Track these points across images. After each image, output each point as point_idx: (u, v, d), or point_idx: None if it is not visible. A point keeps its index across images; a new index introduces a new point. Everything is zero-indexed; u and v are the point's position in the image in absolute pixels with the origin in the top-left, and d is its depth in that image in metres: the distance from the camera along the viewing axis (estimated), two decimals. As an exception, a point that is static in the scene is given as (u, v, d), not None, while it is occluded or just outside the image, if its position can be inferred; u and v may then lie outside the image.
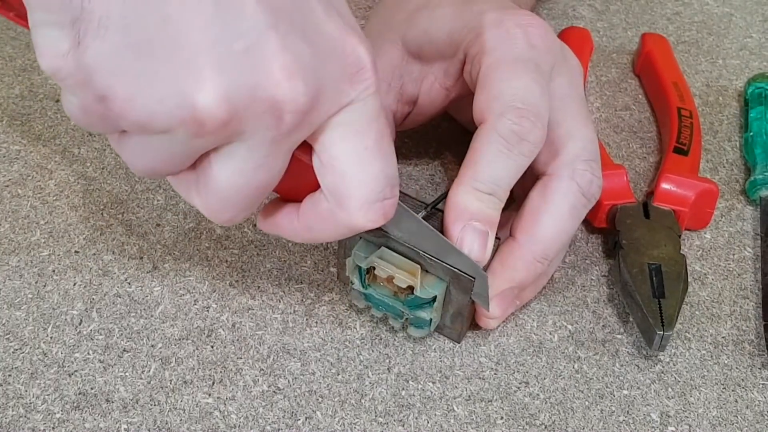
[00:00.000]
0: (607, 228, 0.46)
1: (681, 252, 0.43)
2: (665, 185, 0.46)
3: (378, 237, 0.38)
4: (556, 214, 0.39)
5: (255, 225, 0.46)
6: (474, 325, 0.42)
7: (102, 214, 0.46)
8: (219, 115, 0.29)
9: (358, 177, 0.33)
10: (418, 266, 0.38)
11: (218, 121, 0.29)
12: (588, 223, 0.47)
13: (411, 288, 0.38)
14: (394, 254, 0.38)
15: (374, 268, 0.39)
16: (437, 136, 0.51)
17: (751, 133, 0.51)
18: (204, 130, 0.29)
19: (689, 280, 0.44)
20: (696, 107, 0.51)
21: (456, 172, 0.38)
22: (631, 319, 0.43)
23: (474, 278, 0.37)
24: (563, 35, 0.56)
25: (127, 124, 0.30)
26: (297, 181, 0.35)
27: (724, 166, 0.51)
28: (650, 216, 0.45)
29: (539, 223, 0.39)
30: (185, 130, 0.30)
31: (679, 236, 0.44)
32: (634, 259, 0.43)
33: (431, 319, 0.39)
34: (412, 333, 0.40)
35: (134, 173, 0.35)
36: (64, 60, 0.30)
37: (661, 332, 0.39)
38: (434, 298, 0.38)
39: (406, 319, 0.40)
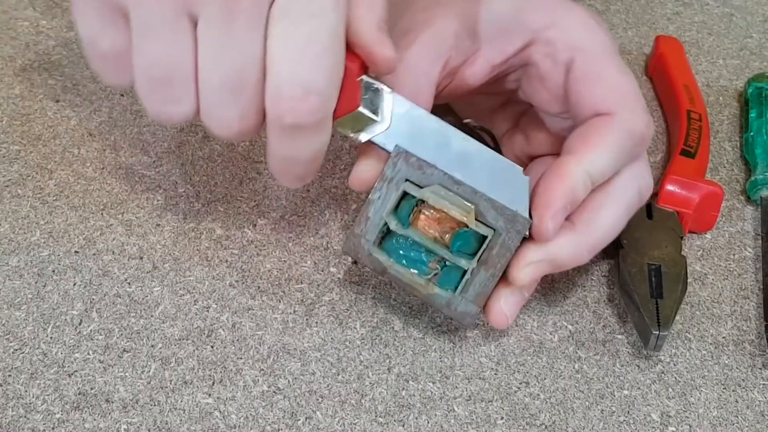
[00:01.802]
0: None
1: (682, 253, 0.43)
2: (669, 187, 0.46)
3: (428, 177, 0.37)
4: (617, 211, 0.39)
5: (255, 225, 0.46)
6: (475, 325, 0.42)
7: (102, 214, 0.46)
8: None
9: (275, 66, 0.33)
10: (472, 206, 0.37)
11: None
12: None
13: (459, 229, 0.37)
14: (447, 192, 0.37)
15: (423, 205, 0.37)
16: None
17: (752, 133, 0.51)
18: None
19: (689, 280, 0.44)
20: (706, 110, 0.51)
21: None
22: (629, 318, 0.43)
23: (530, 221, 0.37)
24: None
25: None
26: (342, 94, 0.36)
27: (725, 166, 0.51)
28: (653, 217, 0.45)
29: (600, 215, 0.39)
30: None
31: (682, 238, 0.44)
32: (634, 258, 0.43)
33: (465, 273, 0.38)
34: (437, 291, 0.38)
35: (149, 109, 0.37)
36: None
37: (657, 332, 0.39)
38: (483, 240, 0.37)
39: (435, 274, 0.38)
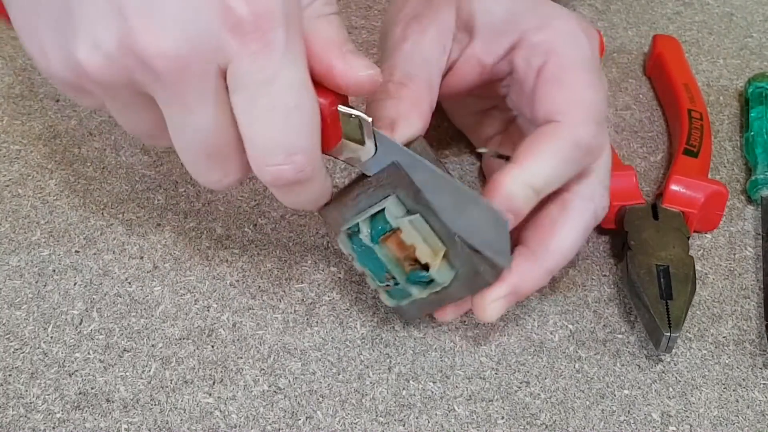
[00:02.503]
0: (615, 229, 0.46)
1: (689, 254, 0.43)
2: (674, 187, 0.46)
3: (413, 203, 0.36)
4: (573, 232, 0.39)
5: (255, 225, 0.46)
6: (475, 325, 0.42)
7: (102, 213, 0.46)
8: (95, 61, 0.30)
9: (248, 139, 0.32)
10: (445, 248, 0.36)
11: (99, 68, 0.30)
12: (597, 225, 0.47)
13: (425, 265, 0.36)
14: (426, 226, 0.36)
15: (399, 230, 0.37)
16: (437, 136, 0.51)
17: (752, 133, 0.51)
18: (97, 81, 0.31)
19: (690, 279, 0.44)
20: (706, 109, 0.51)
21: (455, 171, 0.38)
22: (638, 319, 0.43)
23: (490, 283, 0.37)
24: None
25: (55, 79, 0.32)
26: (323, 130, 0.34)
27: (725, 166, 0.51)
28: (659, 217, 0.45)
29: (557, 237, 0.39)
30: (87, 82, 0.31)
31: (688, 238, 0.44)
32: (642, 260, 0.42)
33: (416, 298, 0.38)
34: (384, 299, 0.39)
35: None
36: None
37: (668, 333, 0.39)
38: (437, 282, 0.37)
39: (387, 285, 0.38)
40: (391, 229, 0.36)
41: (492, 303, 0.38)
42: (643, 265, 0.42)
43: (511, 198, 0.37)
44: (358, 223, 0.37)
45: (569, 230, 0.39)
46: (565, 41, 0.40)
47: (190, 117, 0.32)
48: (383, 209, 0.36)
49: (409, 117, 0.38)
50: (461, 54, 0.42)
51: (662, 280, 0.42)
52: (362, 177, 0.37)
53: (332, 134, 0.35)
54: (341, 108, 0.34)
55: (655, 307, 0.40)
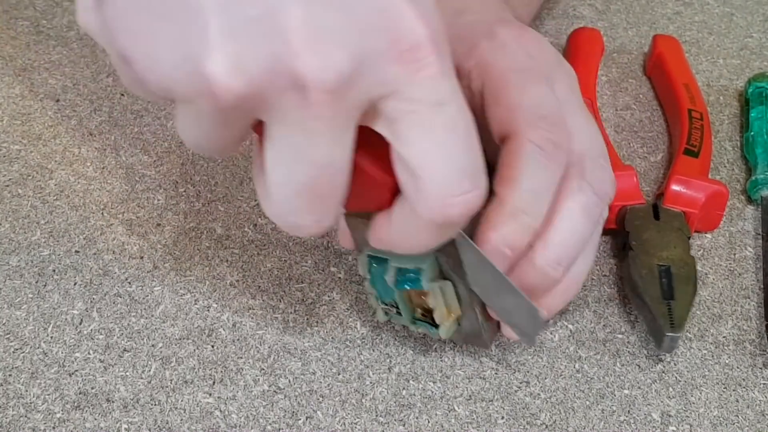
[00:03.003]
0: (617, 229, 0.46)
1: (691, 254, 0.43)
2: (675, 187, 0.46)
3: (450, 270, 0.36)
4: (569, 216, 0.37)
5: (255, 225, 0.46)
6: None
7: (102, 213, 0.46)
8: (233, 86, 0.26)
9: (431, 172, 0.29)
10: (459, 313, 0.37)
11: (234, 94, 0.26)
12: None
13: (432, 318, 0.37)
14: (452, 293, 0.37)
15: (425, 291, 0.37)
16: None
17: (752, 133, 0.51)
18: (222, 103, 0.27)
19: (691, 280, 0.44)
20: (707, 109, 0.51)
21: None
22: (638, 319, 0.43)
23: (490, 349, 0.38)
24: (574, 36, 0.56)
25: (154, 89, 0.28)
26: (365, 195, 0.32)
27: (725, 166, 0.51)
28: (660, 217, 0.45)
29: (552, 226, 0.37)
30: (203, 101, 0.27)
31: (689, 238, 0.44)
32: (644, 260, 0.42)
33: (408, 328, 0.39)
34: (378, 316, 0.39)
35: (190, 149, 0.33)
36: (91, 16, 0.28)
37: (671, 334, 0.39)
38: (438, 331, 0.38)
39: (389, 312, 0.39)
40: (420, 288, 0.36)
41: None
42: (644, 266, 0.42)
43: (503, 234, 0.35)
44: (387, 261, 0.37)
45: (563, 216, 0.37)
46: (494, 56, 0.38)
47: (314, 149, 0.28)
48: (419, 269, 0.36)
49: None
50: None
51: (664, 280, 0.42)
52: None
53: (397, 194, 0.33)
54: None
55: (657, 308, 0.40)
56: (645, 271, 0.42)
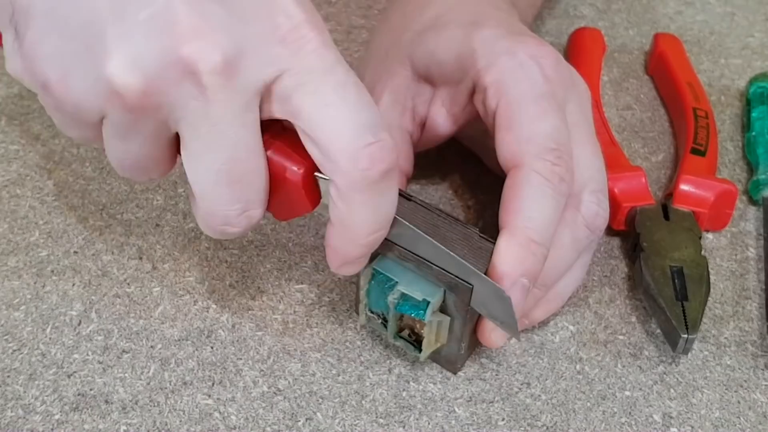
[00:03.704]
0: (626, 230, 0.46)
1: (702, 254, 0.43)
2: (684, 186, 0.46)
3: (457, 309, 0.37)
4: (558, 245, 0.38)
5: (255, 225, 0.46)
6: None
7: (101, 214, 0.46)
8: (133, 83, 0.29)
9: (330, 133, 0.31)
10: (445, 342, 0.38)
11: (135, 90, 0.29)
12: (607, 226, 0.46)
13: (419, 341, 0.38)
14: (447, 328, 0.38)
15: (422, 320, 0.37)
16: (445, 160, 0.51)
17: (754, 133, 0.51)
18: (128, 103, 0.30)
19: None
20: (711, 108, 0.51)
21: (464, 196, 0.37)
22: (638, 320, 0.43)
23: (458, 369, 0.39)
24: (575, 36, 0.56)
25: (70, 110, 0.31)
26: (287, 198, 0.34)
27: (727, 166, 0.51)
28: (670, 218, 0.45)
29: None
30: (113, 107, 0.30)
31: (700, 238, 0.44)
32: (656, 261, 0.42)
33: (386, 339, 0.40)
34: (360, 319, 0.40)
35: (124, 177, 0.36)
36: (16, 59, 0.31)
37: (686, 335, 0.39)
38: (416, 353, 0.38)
39: (374, 316, 0.39)
40: (421, 318, 0.37)
41: (491, 332, 0.38)
42: (656, 267, 0.42)
43: (520, 263, 0.36)
44: (395, 284, 0.37)
45: (555, 244, 0.38)
46: (512, 77, 0.39)
47: (221, 136, 0.31)
48: (426, 302, 0.36)
49: None
50: (429, 107, 0.43)
51: (677, 281, 0.41)
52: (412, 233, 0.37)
53: (315, 195, 0.34)
54: (317, 174, 0.34)
55: (671, 309, 0.40)
56: (657, 272, 0.42)
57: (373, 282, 0.38)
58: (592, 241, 0.40)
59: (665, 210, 0.45)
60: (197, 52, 0.29)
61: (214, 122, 0.30)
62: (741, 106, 0.55)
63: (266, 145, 0.33)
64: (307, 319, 0.42)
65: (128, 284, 0.43)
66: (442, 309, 0.37)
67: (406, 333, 0.39)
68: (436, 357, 0.40)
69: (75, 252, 0.44)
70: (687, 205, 0.45)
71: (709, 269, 0.43)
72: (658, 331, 0.42)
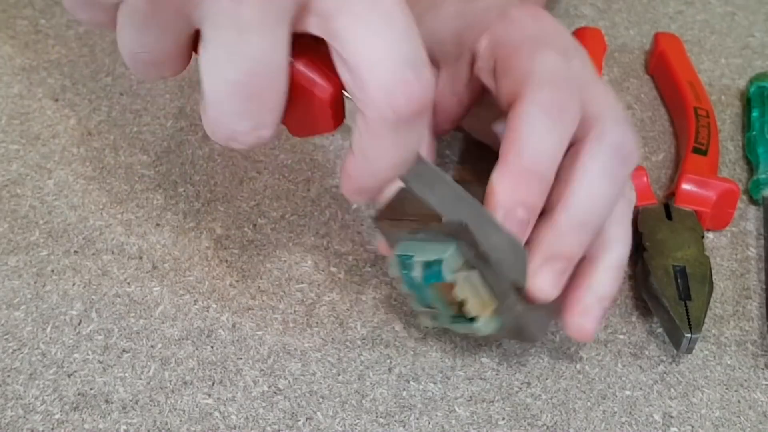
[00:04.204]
0: None
1: (705, 253, 0.43)
2: (686, 186, 0.46)
3: (474, 258, 0.35)
4: (588, 178, 0.36)
5: (255, 225, 0.46)
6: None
7: (101, 213, 0.46)
8: None
9: (369, 63, 0.29)
10: (494, 304, 0.36)
11: None
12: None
13: (472, 317, 0.36)
14: (480, 282, 0.36)
15: (453, 283, 0.36)
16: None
17: (754, 133, 0.51)
18: None
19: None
20: (712, 107, 0.51)
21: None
22: (639, 319, 0.43)
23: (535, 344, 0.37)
24: (575, 36, 0.56)
25: None
26: (308, 113, 0.32)
27: (727, 166, 0.51)
28: (672, 217, 0.45)
29: (571, 190, 0.36)
30: None
31: (702, 237, 0.44)
32: (659, 261, 0.42)
33: (455, 331, 0.38)
34: (423, 322, 0.39)
35: (134, 74, 0.33)
36: None
37: (689, 335, 0.39)
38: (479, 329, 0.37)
39: (428, 311, 0.38)
40: (443, 280, 0.35)
41: (536, 278, 0.35)
42: (659, 267, 0.42)
43: (509, 192, 0.35)
44: (412, 258, 0.36)
45: (582, 179, 0.36)
46: (506, 32, 0.39)
47: (246, 45, 0.28)
48: (441, 259, 0.35)
49: None
50: (435, 89, 0.42)
51: (679, 280, 0.41)
52: (421, 208, 0.35)
53: (340, 112, 0.32)
54: (347, 94, 0.32)
55: (674, 309, 0.40)
56: (660, 272, 0.42)
57: (405, 275, 0.36)
58: (626, 174, 0.37)
59: (667, 209, 0.45)
60: None
61: (242, 28, 0.28)
62: (741, 105, 0.55)
63: (296, 56, 0.30)
64: (307, 319, 0.42)
65: (128, 284, 0.43)
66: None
67: (457, 311, 0.36)
68: (506, 331, 0.37)
69: (75, 251, 0.44)
70: (689, 204, 0.45)
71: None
72: (659, 330, 0.42)
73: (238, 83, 0.29)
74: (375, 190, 0.33)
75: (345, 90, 0.31)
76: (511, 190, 0.35)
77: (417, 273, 0.36)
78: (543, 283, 0.36)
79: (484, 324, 0.36)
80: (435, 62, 0.42)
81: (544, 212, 0.36)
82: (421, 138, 0.32)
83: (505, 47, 0.38)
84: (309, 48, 0.30)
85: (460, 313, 0.36)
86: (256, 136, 0.31)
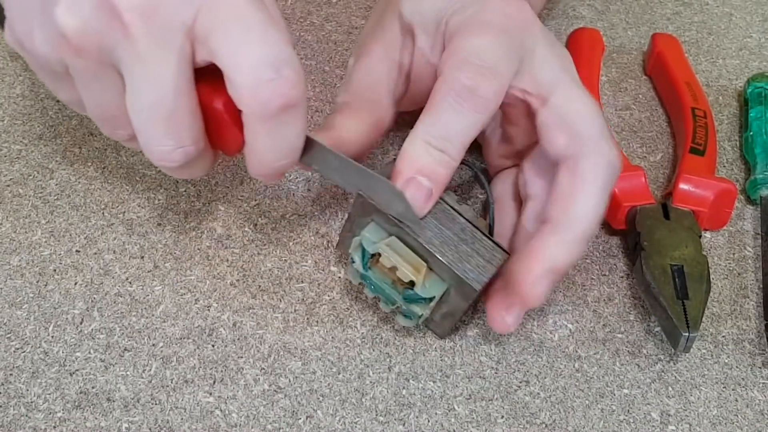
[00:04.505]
0: (626, 229, 0.46)
1: (702, 253, 0.43)
2: (684, 186, 0.46)
3: (390, 225, 0.38)
4: (592, 193, 0.37)
5: (255, 225, 0.46)
6: (475, 324, 0.42)
7: (103, 213, 0.46)
8: (73, 23, 0.33)
9: (237, 67, 0.33)
10: (425, 264, 0.38)
11: (75, 30, 0.33)
12: (607, 225, 0.47)
13: (411, 282, 0.38)
14: (403, 246, 0.38)
15: (380, 255, 0.38)
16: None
17: (751, 133, 0.51)
18: (73, 44, 0.33)
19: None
20: (710, 107, 0.51)
21: (463, 196, 0.37)
22: (636, 318, 0.43)
23: (477, 291, 0.37)
24: (574, 36, 0.56)
25: (42, 64, 0.35)
26: (220, 131, 0.36)
27: (725, 166, 0.51)
28: (670, 217, 0.45)
29: (576, 203, 0.37)
30: (65, 52, 0.33)
31: (700, 236, 0.44)
32: (656, 260, 0.43)
33: (422, 315, 0.39)
34: (400, 321, 0.40)
35: (109, 136, 0.39)
36: (6, 28, 0.36)
37: (687, 333, 0.39)
38: (432, 298, 0.38)
39: (398, 307, 0.39)
40: (372, 255, 0.38)
41: (532, 286, 0.37)
42: (657, 266, 0.42)
43: (415, 159, 0.37)
44: (349, 253, 0.39)
45: (587, 193, 0.38)
46: (473, 13, 0.39)
47: (149, 74, 0.33)
48: (360, 237, 0.38)
49: (347, 124, 0.40)
50: (412, 59, 0.43)
51: (677, 280, 0.42)
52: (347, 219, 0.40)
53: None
54: None
55: (672, 308, 0.40)
56: (658, 271, 0.42)
57: (354, 270, 0.39)
58: (613, 184, 0.39)
59: (665, 209, 0.45)
60: None
61: (143, 61, 0.33)
62: (738, 106, 0.55)
63: (200, 82, 0.35)
64: (307, 318, 0.42)
65: (130, 283, 0.43)
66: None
67: (403, 286, 0.38)
68: (457, 291, 0.38)
69: (77, 251, 0.44)
70: (687, 204, 0.45)
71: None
72: (657, 329, 0.42)
73: (153, 107, 0.34)
74: (272, 173, 0.38)
75: None
76: (414, 159, 0.37)
77: (357, 262, 0.38)
78: (542, 291, 0.37)
79: (426, 288, 0.38)
80: (416, 32, 0.42)
81: (546, 221, 0.38)
82: (300, 130, 0.36)
83: (459, 23, 0.39)
84: (210, 73, 0.35)
85: (406, 289, 0.38)
86: (183, 153, 0.36)
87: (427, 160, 0.37)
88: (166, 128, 0.35)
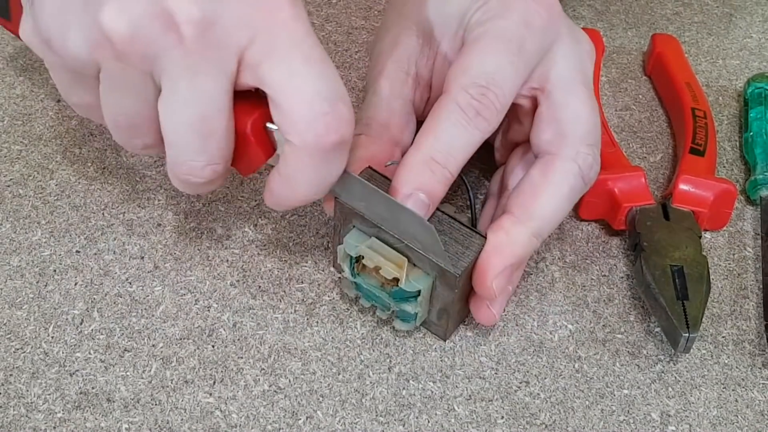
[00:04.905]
0: (626, 230, 0.46)
1: (702, 253, 0.43)
2: (684, 186, 0.46)
3: (370, 227, 0.38)
4: (556, 194, 0.39)
5: (255, 225, 0.46)
6: (475, 325, 0.42)
7: (103, 213, 0.46)
8: (121, 28, 0.32)
9: (292, 99, 0.34)
10: (405, 259, 0.38)
11: (123, 35, 0.32)
12: (607, 226, 0.47)
13: (396, 279, 0.38)
14: (384, 245, 0.38)
15: (363, 258, 0.38)
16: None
17: (751, 133, 0.51)
18: (117, 49, 0.32)
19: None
20: (710, 107, 0.51)
21: (464, 197, 0.37)
22: (637, 319, 0.43)
23: (458, 276, 0.37)
24: None
25: (70, 64, 0.34)
26: (242, 150, 0.36)
27: (724, 166, 0.51)
28: (670, 217, 0.45)
29: (538, 200, 0.39)
30: (105, 54, 0.33)
31: (700, 237, 0.44)
32: (656, 261, 0.43)
33: (416, 313, 0.39)
34: (398, 326, 0.40)
35: (120, 144, 0.38)
36: (28, 21, 0.35)
37: (687, 334, 0.39)
38: (419, 292, 0.38)
39: (393, 311, 0.40)
40: (357, 259, 0.39)
41: (497, 280, 0.38)
42: (657, 267, 0.42)
43: (417, 176, 0.37)
44: (342, 266, 0.40)
45: (551, 193, 0.39)
46: (489, 16, 0.39)
47: (195, 88, 0.33)
48: (343, 245, 0.39)
49: (369, 148, 0.41)
50: (433, 65, 0.43)
51: (677, 280, 0.42)
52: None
53: (267, 145, 0.37)
54: (269, 125, 0.36)
55: (672, 308, 0.40)
56: (658, 272, 0.42)
57: (345, 280, 0.40)
58: (582, 192, 0.41)
59: (665, 210, 0.45)
60: (177, 4, 0.32)
61: (192, 75, 0.33)
62: (738, 106, 0.55)
63: (234, 104, 0.35)
64: (307, 318, 0.42)
65: (130, 283, 0.43)
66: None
67: (389, 286, 0.39)
68: (442, 282, 0.38)
69: (77, 251, 0.44)
70: (686, 204, 0.45)
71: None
72: (657, 329, 0.42)
73: (194, 123, 0.34)
74: (293, 206, 0.38)
75: (270, 123, 0.36)
76: (414, 176, 0.38)
77: (347, 272, 0.39)
78: (502, 284, 0.38)
79: (410, 282, 0.38)
80: (437, 36, 0.43)
81: (507, 212, 0.39)
82: (342, 167, 0.36)
83: (474, 34, 0.39)
84: (245, 98, 0.36)
85: (393, 288, 0.38)
86: (212, 170, 0.36)
87: (427, 177, 0.37)
88: (203, 144, 0.35)
